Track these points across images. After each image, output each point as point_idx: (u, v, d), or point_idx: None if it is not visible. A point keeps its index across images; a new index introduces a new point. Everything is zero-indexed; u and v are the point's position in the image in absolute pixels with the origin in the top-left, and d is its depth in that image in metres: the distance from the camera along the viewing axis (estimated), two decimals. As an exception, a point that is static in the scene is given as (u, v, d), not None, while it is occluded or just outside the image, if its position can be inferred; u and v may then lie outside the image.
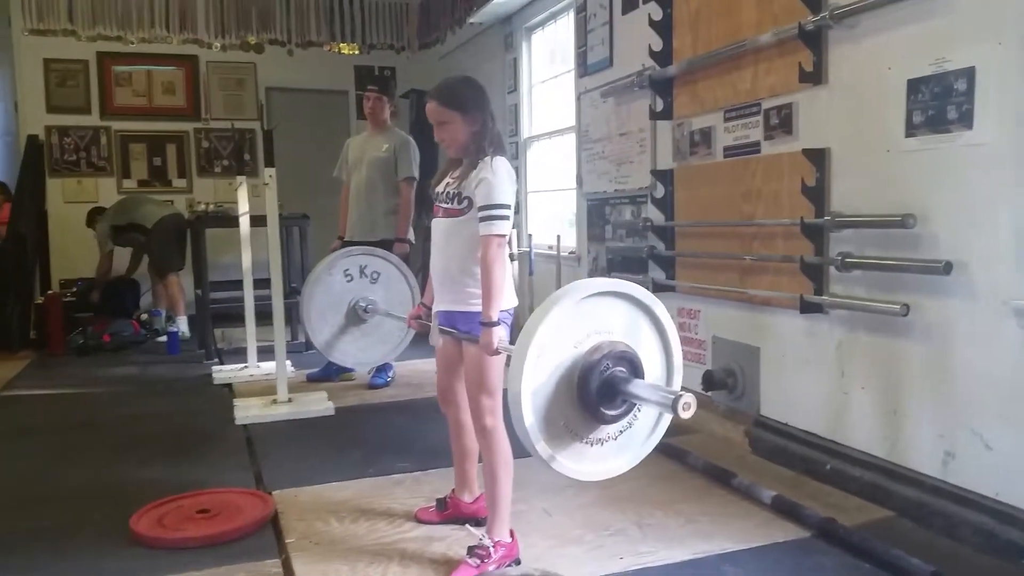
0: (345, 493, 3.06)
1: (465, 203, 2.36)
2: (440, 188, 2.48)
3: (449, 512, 2.70)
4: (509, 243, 5.70)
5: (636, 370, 1.97)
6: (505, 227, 2.29)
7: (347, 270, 3.14)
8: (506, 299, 2.38)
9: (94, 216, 6.90)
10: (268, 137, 4.20)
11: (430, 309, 2.61)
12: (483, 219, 2.28)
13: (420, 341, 2.99)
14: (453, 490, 2.73)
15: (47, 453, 3.75)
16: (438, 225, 2.47)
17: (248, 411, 4.22)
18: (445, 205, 2.44)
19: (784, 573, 2.38)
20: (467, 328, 2.41)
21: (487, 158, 2.33)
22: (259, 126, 7.49)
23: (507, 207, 2.30)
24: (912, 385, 2.84)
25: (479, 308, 2.31)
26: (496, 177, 2.29)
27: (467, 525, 2.56)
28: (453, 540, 2.61)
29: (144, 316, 6.98)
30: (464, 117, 2.35)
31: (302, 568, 2.44)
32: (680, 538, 2.60)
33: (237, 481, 3.22)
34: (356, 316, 3.17)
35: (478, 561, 2.33)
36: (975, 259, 2.56)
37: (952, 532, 2.60)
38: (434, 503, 2.76)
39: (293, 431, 3.99)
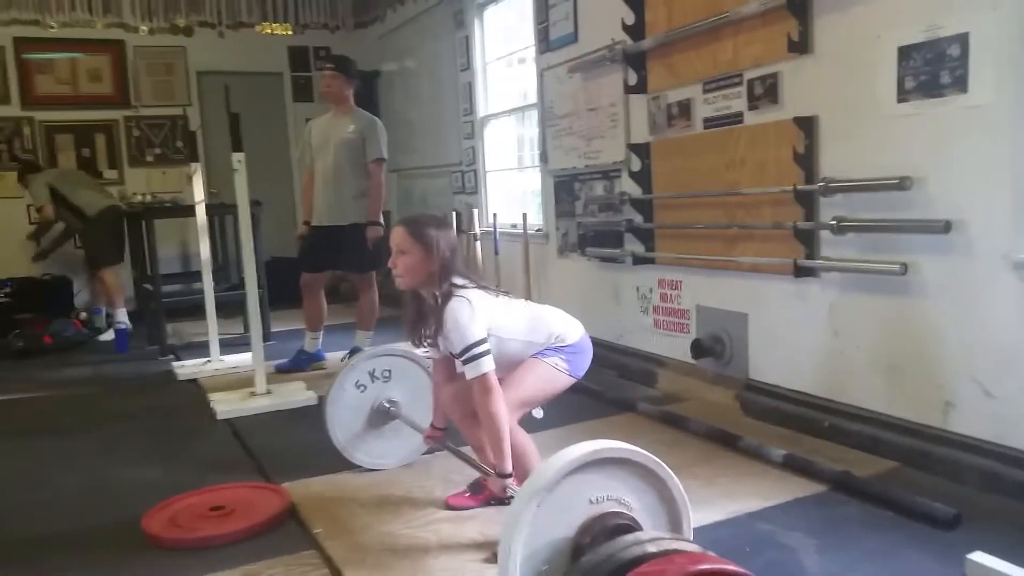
0: (359, 481, 3.00)
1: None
2: (426, 343, 2.55)
3: (485, 495, 2.67)
4: (470, 225, 5.69)
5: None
6: (486, 363, 2.30)
7: (357, 382, 3.08)
8: (568, 331, 2.50)
9: (25, 174, 6.45)
10: (235, 121, 4.05)
11: (443, 430, 2.72)
12: (464, 363, 2.33)
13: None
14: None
15: (31, 459, 3.57)
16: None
17: (228, 405, 4.09)
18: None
19: (814, 525, 2.46)
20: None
21: (445, 308, 2.35)
22: (185, 111, 7.28)
23: (479, 343, 2.31)
24: (910, 340, 2.96)
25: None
26: (457, 326, 2.32)
27: (508, 502, 2.55)
28: (487, 518, 2.60)
29: (84, 315, 6.68)
30: (426, 255, 2.39)
31: (342, 556, 2.39)
32: (707, 500, 2.64)
33: (239, 476, 3.13)
34: (380, 418, 3.11)
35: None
36: (973, 217, 2.68)
37: (957, 477, 2.73)
38: (466, 488, 2.74)
39: (279, 423, 3.90)
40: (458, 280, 2.42)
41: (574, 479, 1.74)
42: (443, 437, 2.73)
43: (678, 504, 1.83)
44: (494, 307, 2.43)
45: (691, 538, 1.81)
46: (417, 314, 2.52)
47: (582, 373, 2.54)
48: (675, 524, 1.84)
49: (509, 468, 2.29)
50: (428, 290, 2.43)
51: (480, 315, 2.35)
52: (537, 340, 2.47)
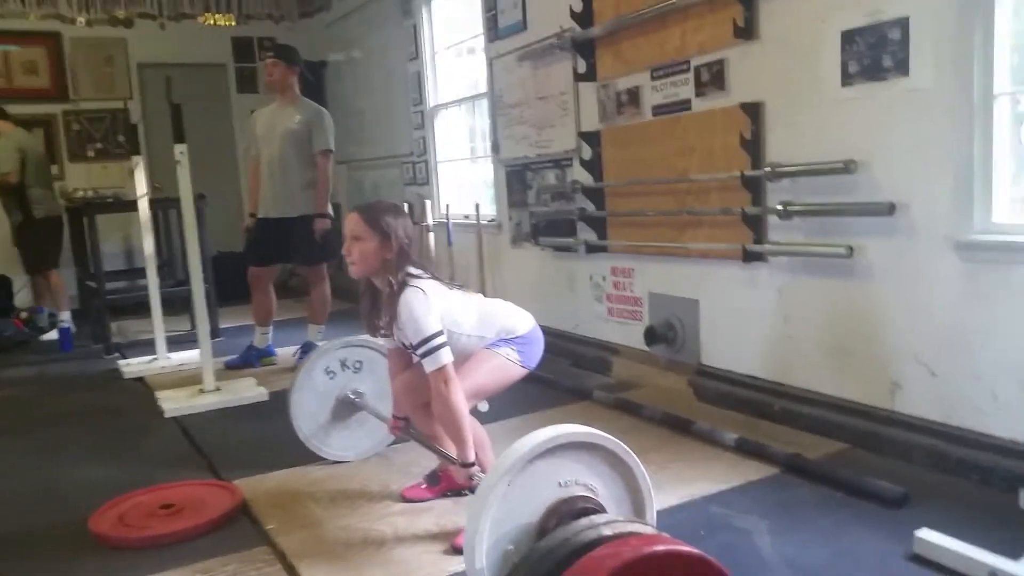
0: (313, 476, 2.96)
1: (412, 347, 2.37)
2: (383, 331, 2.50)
3: (442, 486, 2.66)
4: (423, 216, 5.65)
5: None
6: (444, 355, 2.28)
7: (328, 367, 3.02)
8: (517, 323, 2.48)
9: None
10: (177, 112, 3.95)
11: (405, 419, 2.67)
12: (421, 357, 2.30)
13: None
14: (439, 464, 2.69)
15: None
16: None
17: (175, 403, 4.00)
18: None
19: (767, 508, 2.49)
20: None
21: (400, 298, 2.33)
22: (126, 104, 7.07)
23: (436, 335, 2.29)
24: (856, 323, 3.01)
25: None
26: (412, 317, 2.29)
27: (467, 492, 2.54)
28: (442, 510, 2.59)
29: (24, 314, 6.48)
30: (381, 242, 2.36)
31: (295, 551, 2.35)
32: (660, 484, 2.61)
33: (189, 474, 3.07)
34: (345, 409, 3.06)
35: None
36: (916, 199, 2.73)
37: (905, 456, 2.79)
38: (422, 480, 2.72)
39: (229, 419, 3.83)
40: (413, 270, 2.39)
41: (545, 461, 1.75)
42: (406, 426, 2.70)
43: (642, 492, 1.85)
44: (449, 300, 2.42)
45: (654, 524, 1.82)
46: (372, 303, 2.49)
47: (534, 364, 2.53)
48: (639, 511, 1.85)
49: (472, 456, 2.28)
50: (382, 278, 2.40)
51: (435, 306, 2.32)
52: (487, 335, 2.46)
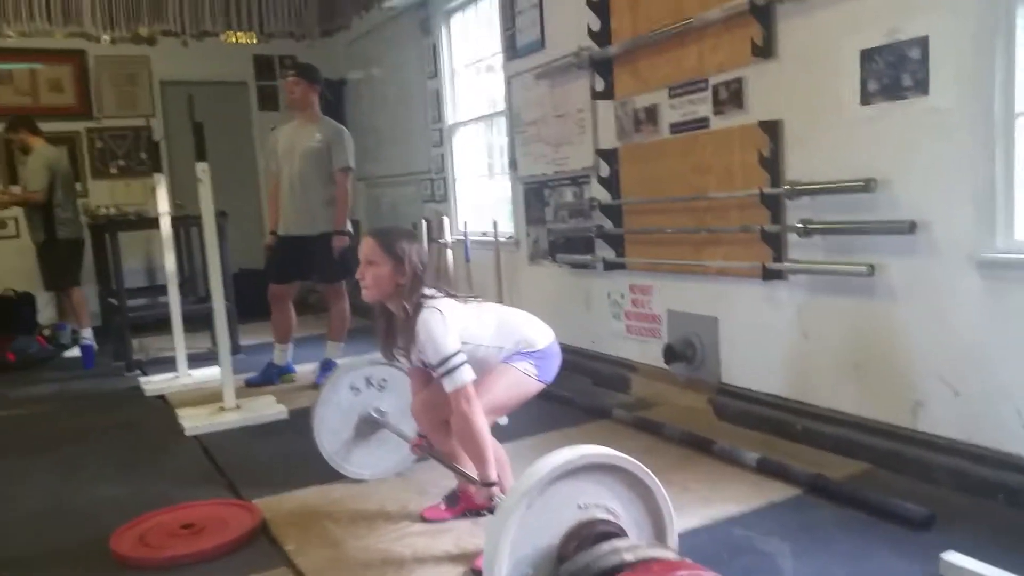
0: (331, 496, 2.96)
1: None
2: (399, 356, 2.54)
3: (461, 506, 2.66)
4: (440, 233, 5.67)
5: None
6: (465, 373, 2.28)
7: (352, 384, 3.05)
8: (536, 336, 2.48)
9: (30, 136, 5.94)
10: (199, 130, 3.99)
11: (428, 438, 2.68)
12: (441, 376, 2.30)
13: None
14: (460, 483, 2.68)
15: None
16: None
17: (196, 421, 4.03)
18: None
19: (790, 529, 2.47)
20: None
21: (417, 320, 2.33)
22: (150, 121, 7.16)
23: (455, 354, 2.28)
24: (878, 341, 2.98)
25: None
26: (431, 337, 2.29)
27: (486, 512, 2.54)
28: (461, 531, 2.58)
29: (47, 331, 6.55)
30: (395, 267, 2.37)
31: (315, 571, 2.37)
32: (681, 506, 2.58)
33: (209, 493, 3.09)
34: (368, 427, 3.08)
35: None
36: (937, 218, 2.71)
37: (929, 476, 2.76)
38: (441, 501, 2.71)
39: (249, 438, 3.85)
40: (427, 291, 2.40)
41: (564, 483, 1.74)
42: (429, 445, 2.69)
43: (664, 515, 1.84)
44: (465, 315, 2.42)
45: (676, 547, 1.81)
46: (387, 327, 2.50)
47: (551, 378, 2.53)
48: (660, 535, 1.84)
49: (494, 476, 2.27)
50: (396, 303, 2.41)
51: (452, 324, 2.33)
52: (506, 345, 2.46)
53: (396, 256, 2.37)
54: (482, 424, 2.27)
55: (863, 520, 2.51)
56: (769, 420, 3.37)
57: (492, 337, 2.45)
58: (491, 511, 2.57)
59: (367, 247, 2.41)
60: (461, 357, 2.29)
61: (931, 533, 2.37)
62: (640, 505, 1.83)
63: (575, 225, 4.56)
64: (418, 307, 2.35)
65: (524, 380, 2.46)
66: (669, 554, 1.57)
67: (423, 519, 2.67)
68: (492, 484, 2.26)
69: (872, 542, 2.36)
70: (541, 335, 2.52)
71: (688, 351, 3.85)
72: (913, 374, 2.86)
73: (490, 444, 2.31)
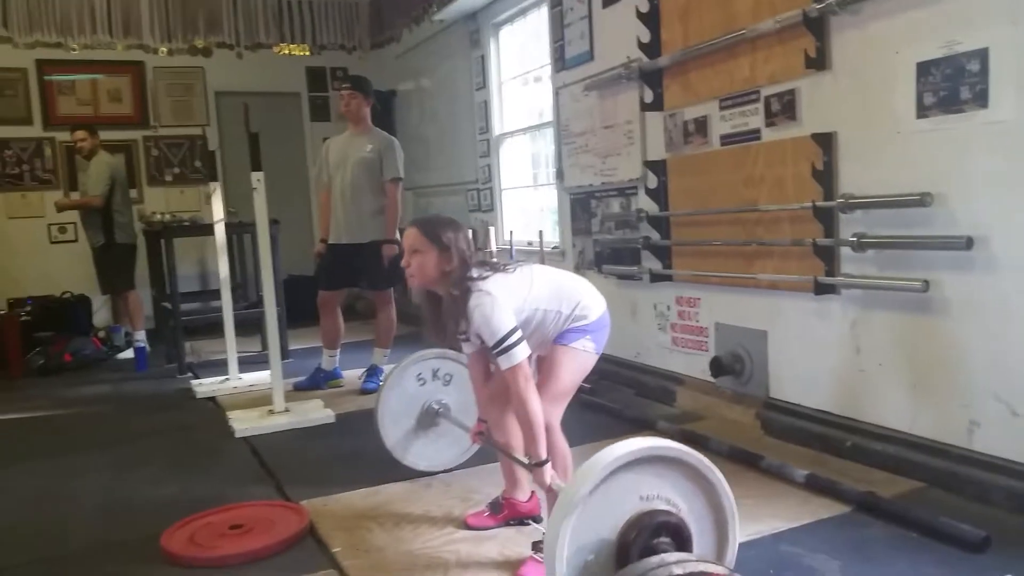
0: (376, 499, 3.00)
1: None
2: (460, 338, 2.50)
3: (505, 514, 2.66)
4: (486, 242, 5.70)
5: (682, 541, 1.79)
6: (521, 351, 2.28)
7: (420, 374, 3.12)
8: (591, 304, 2.48)
9: (95, 146, 6.16)
10: (254, 140, 4.08)
11: (486, 421, 2.68)
12: (497, 356, 2.31)
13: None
14: (504, 491, 2.70)
15: (46, 477, 3.59)
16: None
17: (246, 423, 4.10)
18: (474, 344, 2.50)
19: (838, 547, 2.43)
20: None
21: (468, 304, 2.32)
22: (205, 130, 7.32)
23: (511, 332, 2.29)
24: (932, 358, 2.92)
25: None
26: (486, 320, 2.29)
27: (530, 521, 2.54)
28: (505, 538, 2.58)
29: (102, 333, 6.72)
30: (440, 255, 2.37)
31: (361, 574, 2.38)
32: (728, 521, 2.62)
33: (258, 494, 3.14)
34: (429, 419, 3.14)
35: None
36: (995, 233, 2.65)
37: (984, 497, 2.69)
38: (485, 507, 2.72)
39: (297, 440, 3.90)
40: (474, 272, 2.39)
41: (627, 474, 1.75)
42: (489, 434, 2.67)
43: (726, 511, 1.84)
44: (517, 287, 2.41)
45: (736, 545, 1.81)
46: (435, 314, 2.49)
47: (603, 347, 2.54)
48: (721, 530, 1.84)
49: (544, 454, 2.25)
50: (443, 288, 2.40)
51: (505, 303, 2.32)
52: (563, 309, 2.45)
53: (441, 244, 2.36)
54: (534, 400, 2.27)
55: (915, 540, 2.46)
56: (818, 436, 3.32)
57: (547, 299, 2.44)
58: (534, 519, 2.58)
59: (411, 236, 2.41)
60: (517, 335, 2.29)
61: (986, 556, 2.31)
62: (702, 500, 1.84)
63: (621, 236, 4.56)
64: (467, 291, 2.34)
65: (585, 360, 2.48)
66: (719, 569, 1.56)
67: (467, 526, 2.68)
68: (544, 462, 2.25)
69: (924, 563, 2.30)
70: (595, 303, 2.52)
71: (736, 364, 3.81)
72: (969, 393, 2.80)
73: (541, 422, 2.28)
